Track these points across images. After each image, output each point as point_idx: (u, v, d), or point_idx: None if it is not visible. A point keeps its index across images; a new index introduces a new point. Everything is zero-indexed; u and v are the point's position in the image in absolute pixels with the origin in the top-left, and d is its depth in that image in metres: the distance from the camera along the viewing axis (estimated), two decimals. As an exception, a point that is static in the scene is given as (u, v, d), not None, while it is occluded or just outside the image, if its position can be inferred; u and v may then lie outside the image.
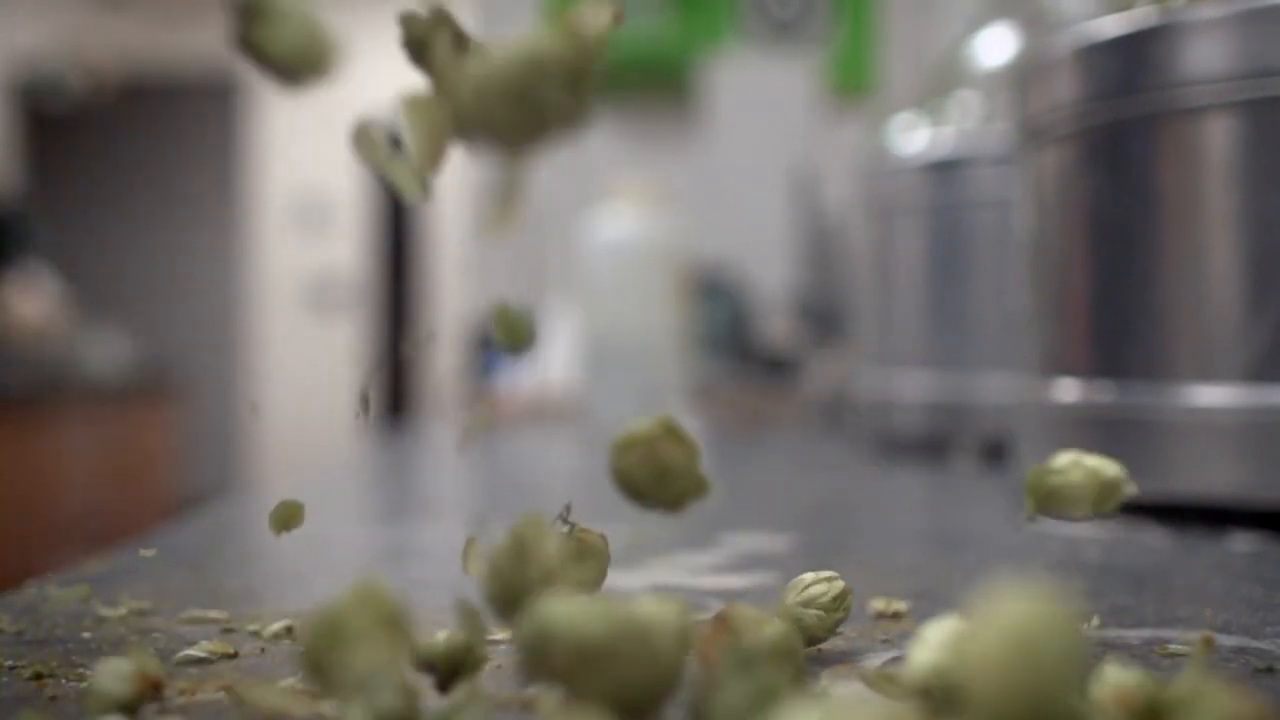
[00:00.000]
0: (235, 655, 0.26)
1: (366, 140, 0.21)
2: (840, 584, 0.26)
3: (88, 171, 4.94)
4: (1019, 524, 0.48)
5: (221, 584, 0.35)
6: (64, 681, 0.24)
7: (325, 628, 0.17)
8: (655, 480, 0.22)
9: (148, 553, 0.36)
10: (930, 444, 0.75)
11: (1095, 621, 0.29)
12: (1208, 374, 0.44)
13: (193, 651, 0.26)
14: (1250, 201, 0.43)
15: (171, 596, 0.32)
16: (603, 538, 0.23)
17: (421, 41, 0.21)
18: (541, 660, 0.16)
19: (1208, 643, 0.24)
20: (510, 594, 0.20)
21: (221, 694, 0.23)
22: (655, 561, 0.39)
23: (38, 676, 0.24)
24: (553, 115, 0.17)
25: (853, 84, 1.86)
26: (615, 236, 1.06)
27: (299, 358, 4.78)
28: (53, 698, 0.22)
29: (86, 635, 0.28)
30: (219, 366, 4.94)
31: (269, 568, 0.40)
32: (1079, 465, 0.25)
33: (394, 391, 4.74)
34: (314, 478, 0.73)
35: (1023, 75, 0.54)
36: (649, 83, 1.87)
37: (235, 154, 4.91)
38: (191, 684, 0.23)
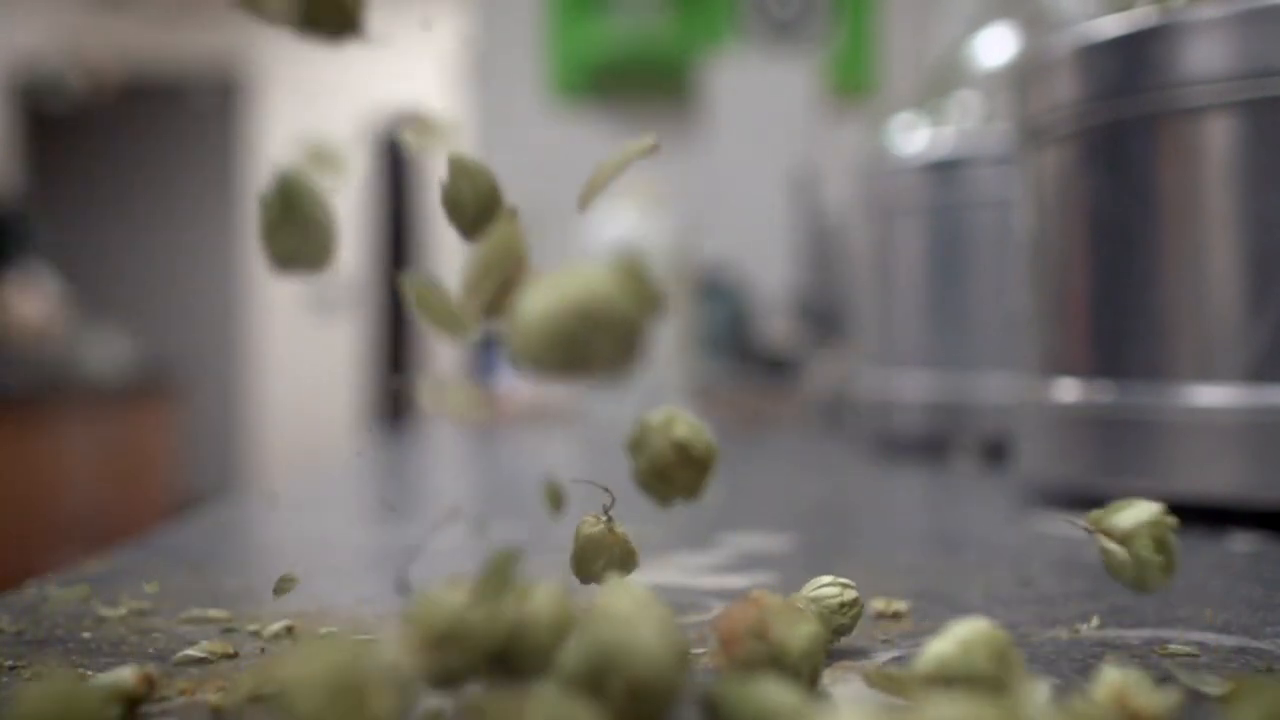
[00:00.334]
0: (235, 655, 0.26)
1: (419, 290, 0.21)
2: (853, 594, 0.26)
3: (88, 171, 4.93)
4: (1019, 524, 0.48)
5: (221, 584, 0.35)
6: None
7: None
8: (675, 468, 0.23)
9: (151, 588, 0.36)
10: (930, 444, 0.75)
11: (1095, 621, 0.29)
12: (1208, 374, 0.44)
13: (193, 651, 0.26)
14: (1250, 201, 0.43)
15: (171, 596, 0.32)
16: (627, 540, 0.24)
17: (459, 204, 0.22)
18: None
19: None
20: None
21: (221, 694, 0.23)
22: (655, 561, 0.39)
23: (38, 677, 0.24)
24: (599, 363, 0.17)
25: (853, 84, 1.86)
26: (615, 236, 1.06)
27: (299, 358, 4.79)
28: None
29: (86, 635, 0.28)
30: (219, 366, 4.94)
31: (269, 568, 0.40)
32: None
33: (394, 392, 4.74)
34: (314, 478, 0.73)
35: (1023, 75, 0.54)
36: (649, 83, 1.87)
37: (235, 154, 4.90)
38: (191, 684, 0.23)
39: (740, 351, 1.31)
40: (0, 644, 0.27)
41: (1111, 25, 0.47)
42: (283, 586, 0.26)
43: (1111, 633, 0.28)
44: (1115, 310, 0.48)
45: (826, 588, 0.26)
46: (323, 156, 0.21)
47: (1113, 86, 0.47)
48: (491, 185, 0.23)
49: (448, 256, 4.47)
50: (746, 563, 0.39)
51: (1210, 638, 0.27)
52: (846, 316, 1.16)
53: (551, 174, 1.87)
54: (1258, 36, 0.43)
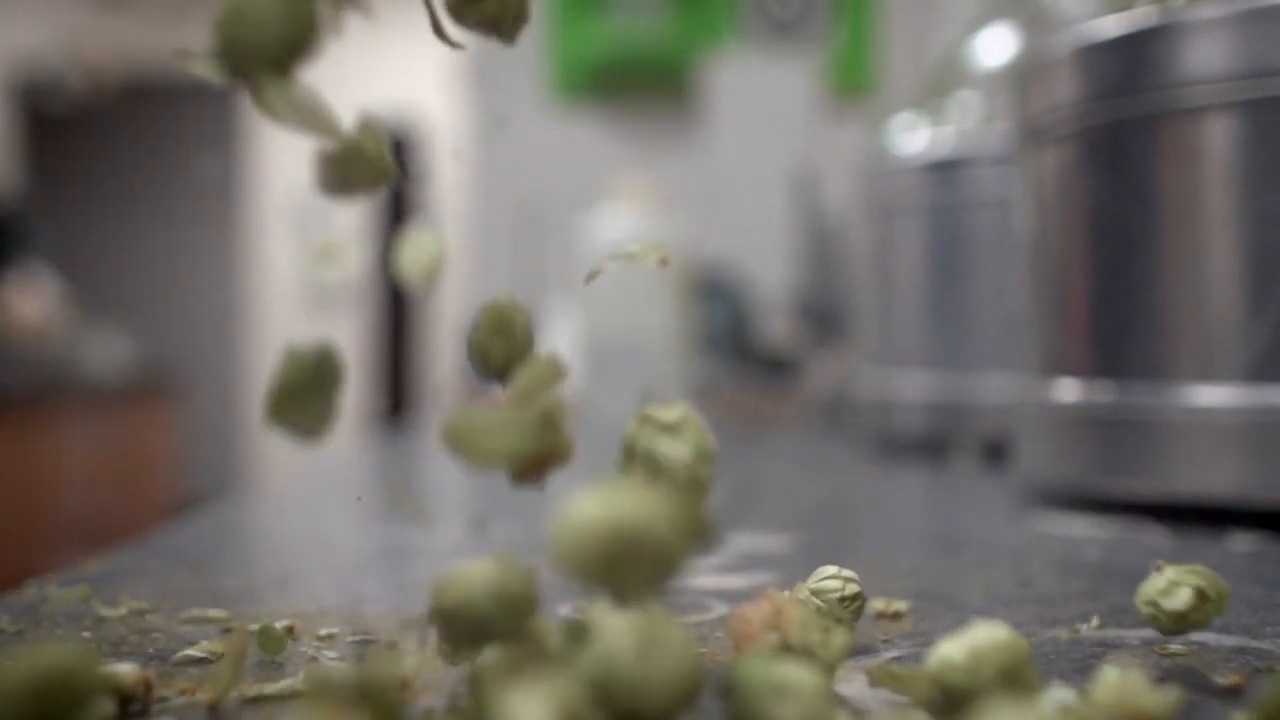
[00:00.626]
0: (235, 655, 0.26)
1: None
2: (855, 588, 0.26)
3: (88, 171, 4.93)
4: (1019, 524, 0.48)
5: (221, 584, 0.35)
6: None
7: None
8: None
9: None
10: (930, 444, 0.75)
11: (1095, 621, 0.29)
12: (1208, 374, 0.44)
13: (193, 651, 0.26)
14: (1250, 201, 0.43)
15: (171, 596, 0.32)
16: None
17: (488, 356, 0.22)
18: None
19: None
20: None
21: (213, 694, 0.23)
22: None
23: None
24: (631, 586, 0.17)
25: (853, 84, 1.86)
26: (615, 236, 1.06)
27: (299, 358, 4.78)
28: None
29: (86, 635, 0.28)
30: (219, 366, 4.94)
31: (269, 568, 0.40)
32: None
33: (394, 391, 4.74)
34: (314, 478, 0.73)
35: (1023, 75, 0.54)
36: (649, 83, 1.87)
37: (235, 154, 4.90)
38: (191, 684, 0.23)
39: (740, 351, 1.31)
40: (0, 644, 0.27)
41: (1111, 25, 0.47)
42: (272, 647, 0.26)
43: (1111, 633, 0.28)
44: (1115, 310, 0.48)
45: (829, 580, 0.26)
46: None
47: (1113, 86, 0.47)
48: (526, 331, 0.22)
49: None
50: (746, 563, 0.39)
51: (1210, 638, 0.27)
52: (846, 316, 1.16)
53: (551, 174, 1.87)
54: (1258, 36, 0.43)
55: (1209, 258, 0.44)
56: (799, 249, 1.51)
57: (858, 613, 0.26)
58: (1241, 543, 0.42)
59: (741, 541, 0.43)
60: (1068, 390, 0.50)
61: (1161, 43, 0.45)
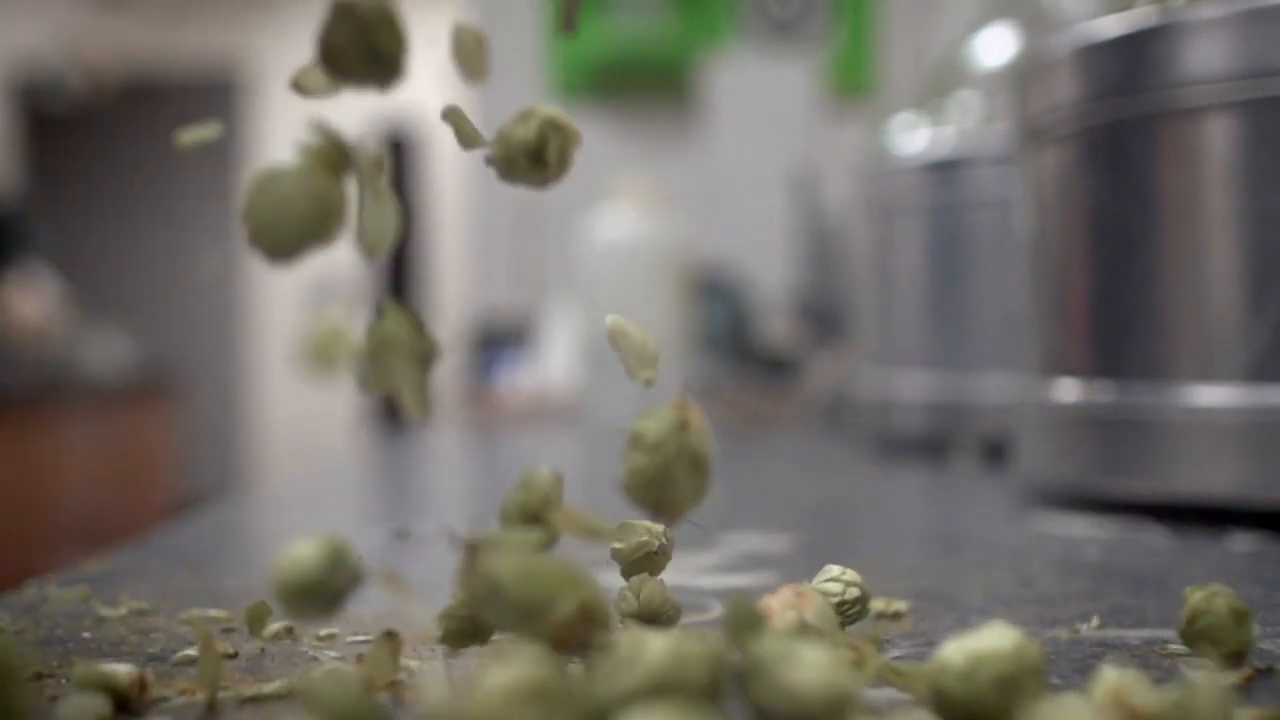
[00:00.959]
0: (235, 655, 0.26)
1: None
2: (856, 592, 0.26)
3: (88, 171, 4.93)
4: (1019, 524, 0.48)
5: (221, 584, 0.35)
6: (64, 681, 0.24)
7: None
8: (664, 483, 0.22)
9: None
10: (930, 444, 0.75)
11: (1095, 621, 0.29)
12: (1208, 374, 0.44)
13: (193, 651, 0.26)
14: (1250, 201, 0.43)
15: (171, 596, 0.32)
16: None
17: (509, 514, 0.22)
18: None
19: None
20: None
21: (221, 694, 0.23)
22: (655, 561, 0.39)
23: (38, 676, 0.24)
24: None
25: (853, 84, 1.86)
26: (615, 236, 1.06)
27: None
28: (53, 698, 0.22)
29: (86, 635, 0.28)
30: (219, 366, 4.94)
31: (269, 568, 0.40)
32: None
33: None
34: (314, 478, 0.73)
35: (1023, 75, 0.54)
36: (649, 83, 1.87)
37: (235, 154, 4.90)
38: (191, 684, 0.23)
39: (740, 351, 1.31)
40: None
41: (1111, 25, 0.47)
42: (257, 623, 0.26)
43: (1111, 633, 0.28)
44: (1115, 310, 0.48)
45: (832, 583, 0.26)
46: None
47: (1113, 86, 0.47)
48: (554, 491, 0.23)
49: (448, 256, 4.47)
50: (746, 563, 0.39)
51: (1210, 638, 0.27)
52: (846, 316, 1.16)
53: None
54: (1258, 36, 0.43)
55: (1209, 258, 0.44)
56: (799, 249, 1.51)
57: (861, 616, 0.26)
58: (1241, 543, 0.42)
59: (741, 541, 0.43)
60: (1068, 390, 0.50)
61: (1161, 43, 0.45)
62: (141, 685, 0.22)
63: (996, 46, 0.78)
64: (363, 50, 0.22)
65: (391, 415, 4.47)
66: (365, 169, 0.22)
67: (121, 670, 0.22)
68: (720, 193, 1.60)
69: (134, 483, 3.25)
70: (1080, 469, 0.49)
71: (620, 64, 1.82)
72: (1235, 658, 0.23)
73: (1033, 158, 0.53)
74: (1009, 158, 0.62)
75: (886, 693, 0.22)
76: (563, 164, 0.24)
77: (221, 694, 0.23)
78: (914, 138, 0.77)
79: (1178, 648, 0.26)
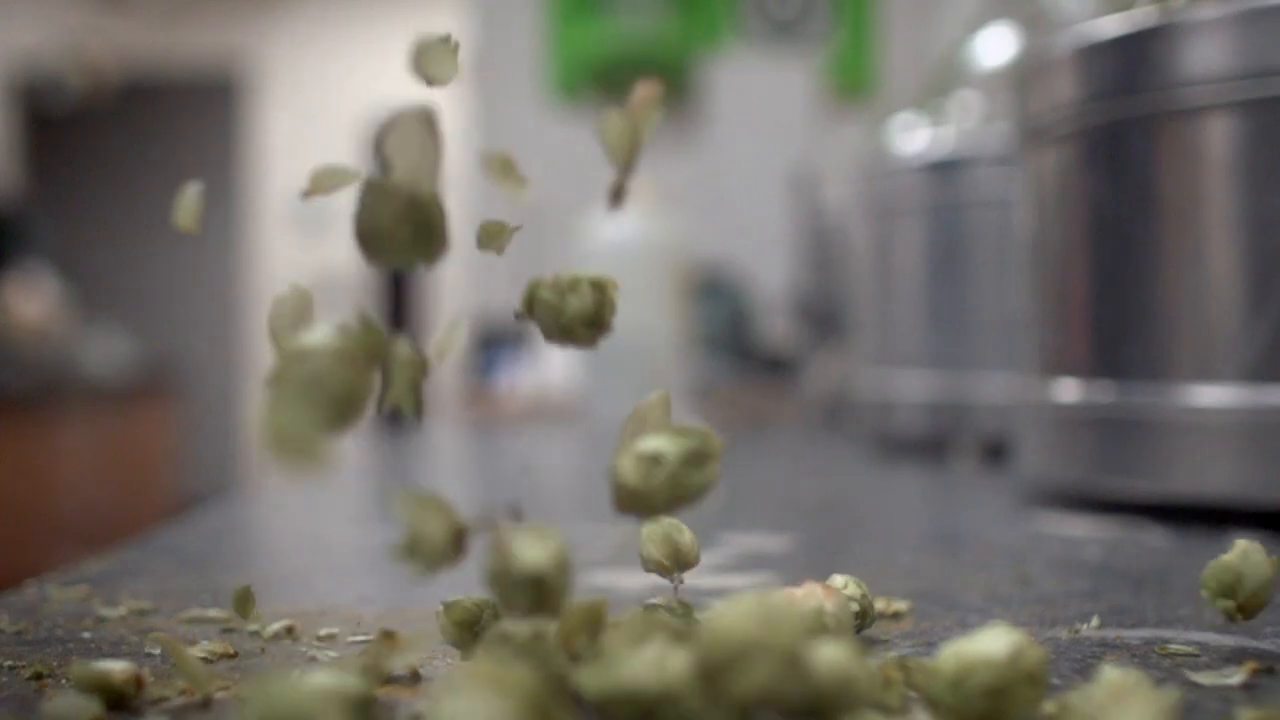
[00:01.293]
0: (235, 655, 0.26)
1: None
2: (856, 606, 0.26)
3: (88, 171, 4.93)
4: (1019, 524, 0.48)
5: (221, 584, 0.35)
6: (64, 681, 0.24)
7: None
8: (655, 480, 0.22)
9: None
10: (930, 444, 0.75)
11: (1095, 621, 0.29)
12: (1208, 374, 0.44)
13: (192, 651, 0.26)
14: (1250, 201, 0.43)
15: (171, 596, 0.32)
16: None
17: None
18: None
19: None
20: None
21: (222, 694, 0.23)
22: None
23: (38, 676, 0.24)
24: None
25: (853, 84, 1.86)
26: (615, 236, 1.06)
27: (299, 358, 4.78)
28: (53, 698, 0.22)
29: (86, 635, 0.28)
30: (219, 366, 4.94)
31: (269, 568, 0.40)
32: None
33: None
34: (314, 478, 0.73)
35: (1023, 75, 0.54)
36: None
37: (235, 154, 4.91)
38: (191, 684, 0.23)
39: (740, 351, 1.31)
40: (0, 644, 0.27)
41: (1111, 25, 0.47)
42: (242, 606, 0.26)
43: (1111, 633, 0.28)
44: (1115, 310, 0.48)
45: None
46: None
47: (1113, 86, 0.47)
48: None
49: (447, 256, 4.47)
50: (746, 563, 0.39)
51: (1210, 638, 0.27)
52: (846, 316, 1.16)
53: (551, 174, 1.87)
54: (1258, 36, 0.43)
55: (1209, 258, 0.44)
56: (799, 249, 1.51)
57: (863, 629, 0.26)
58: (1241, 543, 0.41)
59: (741, 541, 0.43)
60: (1068, 390, 0.50)
61: (1161, 43, 0.45)
62: (138, 683, 0.22)
63: (996, 46, 0.78)
64: (406, 230, 0.22)
65: (391, 415, 4.46)
66: (401, 365, 0.22)
67: (117, 667, 0.22)
68: (720, 193, 1.60)
69: (134, 483, 3.25)
70: (1080, 469, 0.49)
71: (620, 64, 1.82)
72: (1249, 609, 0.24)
73: (1033, 158, 0.53)
74: (1009, 158, 0.62)
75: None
76: (613, 316, 0.24)
77: (221, 694, 0.23)
78: (914, 138, 0.77)
79: (1178, 647, 0.26)
